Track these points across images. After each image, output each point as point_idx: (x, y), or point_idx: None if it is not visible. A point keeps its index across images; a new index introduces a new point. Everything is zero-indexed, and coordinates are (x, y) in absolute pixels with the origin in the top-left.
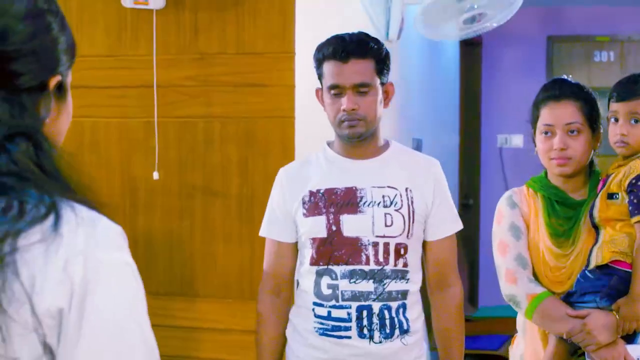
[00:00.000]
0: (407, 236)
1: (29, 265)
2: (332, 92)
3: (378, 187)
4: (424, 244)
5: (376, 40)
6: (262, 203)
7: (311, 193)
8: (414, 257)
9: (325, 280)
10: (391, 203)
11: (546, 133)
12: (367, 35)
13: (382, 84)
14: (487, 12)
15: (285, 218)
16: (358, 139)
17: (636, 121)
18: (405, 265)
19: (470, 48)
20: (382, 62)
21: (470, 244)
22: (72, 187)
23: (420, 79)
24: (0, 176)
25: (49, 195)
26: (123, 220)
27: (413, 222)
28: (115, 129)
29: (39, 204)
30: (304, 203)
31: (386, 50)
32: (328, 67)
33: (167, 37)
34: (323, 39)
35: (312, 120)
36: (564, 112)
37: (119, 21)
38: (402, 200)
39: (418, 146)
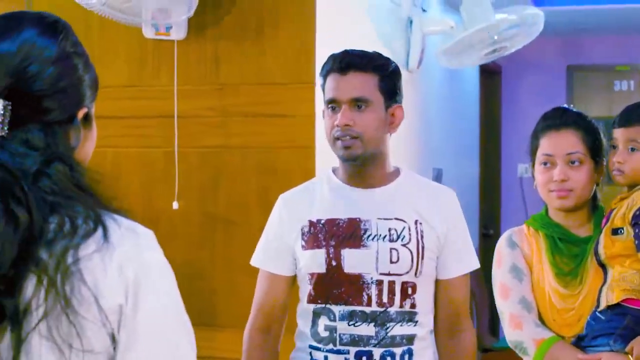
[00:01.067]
0: (416, 274)
1: (92, 271)
2: (330, 106)
3: (384, 219)
4: (436, 282)
5: (384, 57)
6: None
7: (311, 223)
8: (424, 297)
9: (323, 321)
10: (398, 237)
11: (545, 164)
12: (376, 53)
13: (388, 104)
14: (507, 44)
15: (282, 249)
16: (354, 161)
17: (633, 149)
18: (413, 306)
19: (491, 77)
20: (387, 79)
21: (491, 273)
22: (104, 200)
23: (441, 108)
24: (48, 196)
25: (92, 210)
26: None
27: (422, 258)
28: (136, 159)
29: (87, 219)
30: (303, 234)
31: (395, 68)
32: (328, 81)
33: (188, 67)
34: None
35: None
36: (565, 142)
37: (141, 52)
38: (410, 234)
39: (438, 175)
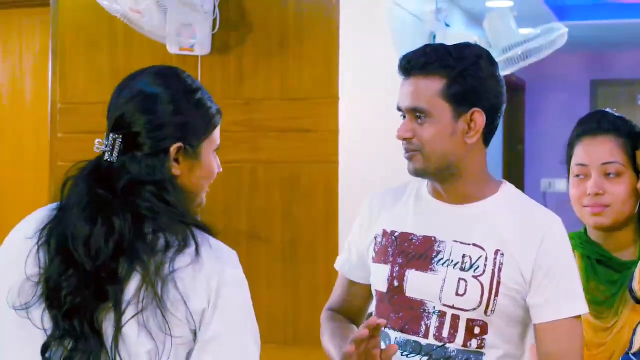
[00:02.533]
0: (486, 312)
1: (183, 280)
2: (400, 114)
3: (461, 243)
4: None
5: (462, 52)
6: (305, 248)
7: (385, 234)
8: (499, 339)
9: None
10: (471, 267)
11: (579, 175)
12: (460, 46)
13: (461, 111)
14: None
15: (360, 256)
16: (419, 176)
17: None
18: (480, 347)
19: (515, 92)
20: (460, 80)
21: None
22: (189, 217)
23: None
24: (139, 209)
25: (180, 226)
26: None
27: (497, 295)
28: None
29: (179, 237)
30: (375, 244)
31: (472, 64)
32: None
33: (212, 82)
34: (367, 84)
35: (357, 165)
36: (601, 150)
37: None
38: (486, 265)
39: None
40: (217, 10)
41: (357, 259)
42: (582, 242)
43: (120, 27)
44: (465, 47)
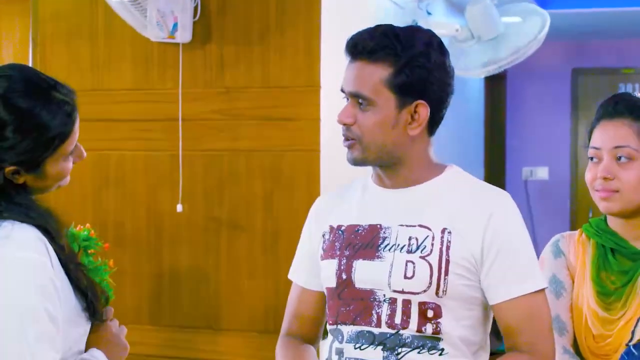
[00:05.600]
0: (437, 293)
1: None
2: (343, 96)
3: (406, 225)
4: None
5: (409, 38)
6: (287, 237)
7: (331, 229)
8: (455, 323)
9: (334, 344)
10: (417, 248)
11: (592, 159)
12: (411, 30)
13: (404, 102)
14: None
15: (311, 259)
16: (357, 165)
17: None
18: (436, 332)
19: (495, 81)
20: (406, 70)
21: None
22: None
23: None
24: None
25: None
26: (148, 253)
27: (447, 274)
28: (141, 162)
29: None
30: (323, 242)
31: (421, 54)
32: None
33: (193, 71)
34: None
35: (338, 154)
36: (614, 133)
37: (146, 55)
38: (433, 245)
39: None
40: None
41: (309, 264)
42: (598, 230)
43: (101, 16)
44: (416, 31)
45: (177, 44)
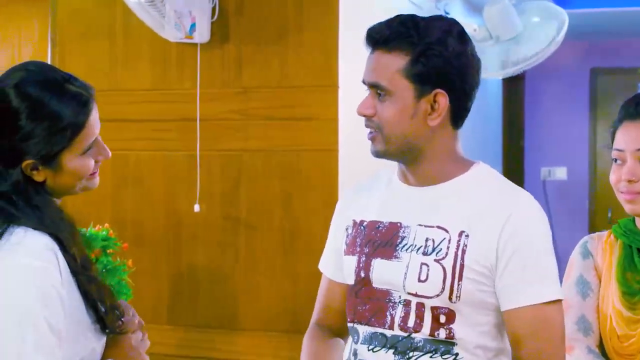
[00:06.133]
0: (451, 298)
1: None
2: (365, 88)
3: (425, 225)
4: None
5: (428, 27)
6: (304, 237)
7: (354, 224)
8: (470, 329)
9: (350, 343)
10: (433, 250)
11: (616, 160)
12: (430, 19)
13: (423, 92)
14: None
15: (337, 252)
16: (380, 157)
17: None
18: (450, 337)
19: (513, 81)
20: (423, 59)
21: None
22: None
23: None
24: None
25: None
26: (167, 253)
27: (460, 279)
28: (159, 162)
29: None
30: (347, 236)
31: (439, 41)
32: None
33: (211, 71)
34: None
35: (356, 153)
36: (637, 135)
37: (164, 55)
38: (448, 248)
39: None
40: None
41: (335, 256)
42: (625, 230)
43: (119, 16)
44: (436, 20)
45: (195, 44)
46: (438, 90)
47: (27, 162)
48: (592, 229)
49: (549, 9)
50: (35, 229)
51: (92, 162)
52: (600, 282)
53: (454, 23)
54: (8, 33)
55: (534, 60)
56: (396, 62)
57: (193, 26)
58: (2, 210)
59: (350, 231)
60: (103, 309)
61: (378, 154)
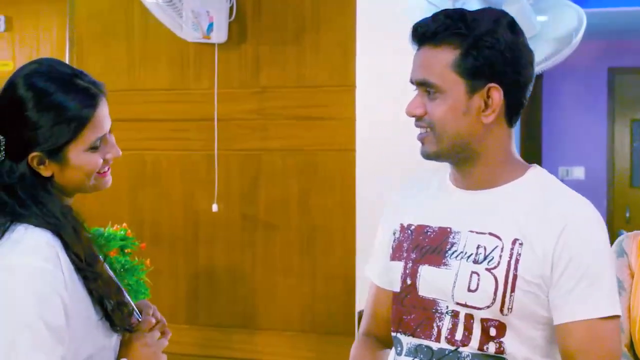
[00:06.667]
0: (502, 310)
1: None
2: (413, 88)
3: (477, 232)
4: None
5: (477, 18)
6: (322, 236)
7: (402, 228)
8: (521, 343)
9: (392, 354)
10: (484, 258)
11: None
12: (479, 10)
13: (476, 86)
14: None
15: (384, 257)
16: (431, 160)
17: None
18: (500, 351)
19: None
20: (475, 52)
21: None
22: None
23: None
24: None
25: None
26: (185, 252)
27: (513, 290)
28: (177, 162)
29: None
30: (393, 240)
31: (490, 31)
32: None
33: (228, 71)
34: (383, 71)
35: (373, 153)
36: None
37: (182, 56)
38: (501, 257)
39: None
40: None
41: (382, 261)
42: None
43: (137, 16)
44: (484, 11)
45: (213, 44)
46: (491, 84)
47: (34, 155)
48: (610, 228)
49: (566, 8)
50: (37, 225)
51: (99, 159)
52: (632, 281)
53: (503, 14)
54: (27, 33)
55: (552, 60)
56: (445, 56)
57: (211, 26)
58: (6, 205)
59: (397, 235)
60: (110, 306)
61: (429, 156)
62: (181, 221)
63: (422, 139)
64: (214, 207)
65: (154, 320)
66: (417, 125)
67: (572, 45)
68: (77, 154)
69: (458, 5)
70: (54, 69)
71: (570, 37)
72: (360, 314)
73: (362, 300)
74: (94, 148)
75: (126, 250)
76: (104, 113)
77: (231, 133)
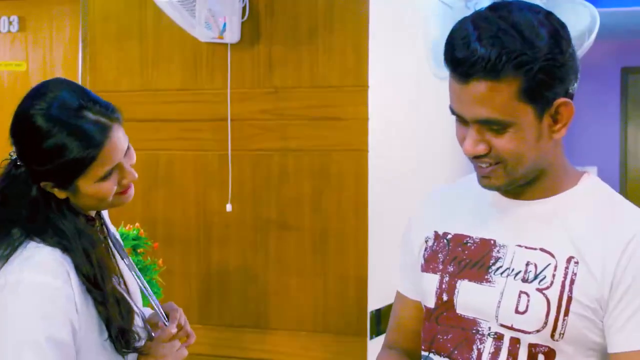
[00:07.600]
0: (553, 335)
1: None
2: (454, 115)
3: (526, 247)
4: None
5: (535, 37)
6: (335, 237)
7: (436, 236)
8: None
9: None
10: (535, 277)
11: None
12: (529, 25)
13: (545, 107)
14: None
15: (412, 266)
16: (497, 190)
17: None
18: None
19: None
20: (537, 76)
21: None
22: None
23: None
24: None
25: (20, 238)
26: (197, 252)
27: (566, 314)
28: (190, 162)
29: (9, 245)
30: (425, 249)
31: (550, 50)
32: (449, 79)
33: (241, 71)
34: (396, 72)
35: (387, 154)
36: None
37: (194, 55)
38: (554, 276)
39: None
40: None
41: (410, 270)
42: None
43: (150, 16)
44: (538, 25)
45: (226, 44)
46: (560, 100)
47: (44, 184)
48: None
49: (580, 8)
50: (49, 244)
51: (113, 186)
52: None
53: (556, 20)
54: (40, 34)
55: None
56: (509, 89)
57: (224, 26)
58: (22, 221)
59: (430, 243)
60: (113, 333)
61: (497, 189)
62: (194, 221)
63: (487, 173)
64: (228, 207)
65: (174, 330)
66: (482, 161)
67: (586, 45)
68: (87, 186)
69: (470, 6)
70: (61, 102)
71: (584, 37)
72: (373, 314)
73: (375, 301)
74: (105, 178)
75: (139, 250)
76: (114, 144)
77: (244, 133)
